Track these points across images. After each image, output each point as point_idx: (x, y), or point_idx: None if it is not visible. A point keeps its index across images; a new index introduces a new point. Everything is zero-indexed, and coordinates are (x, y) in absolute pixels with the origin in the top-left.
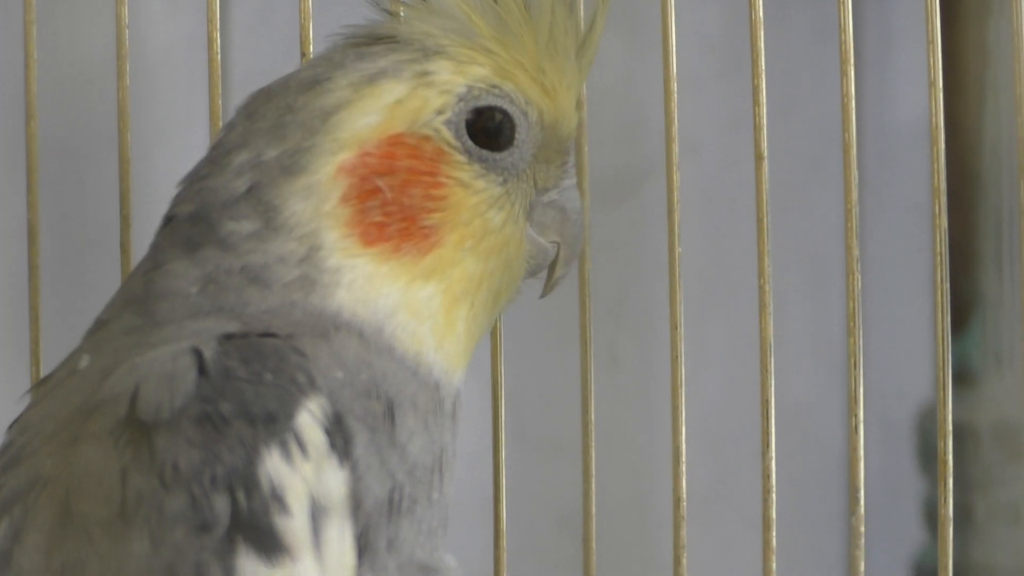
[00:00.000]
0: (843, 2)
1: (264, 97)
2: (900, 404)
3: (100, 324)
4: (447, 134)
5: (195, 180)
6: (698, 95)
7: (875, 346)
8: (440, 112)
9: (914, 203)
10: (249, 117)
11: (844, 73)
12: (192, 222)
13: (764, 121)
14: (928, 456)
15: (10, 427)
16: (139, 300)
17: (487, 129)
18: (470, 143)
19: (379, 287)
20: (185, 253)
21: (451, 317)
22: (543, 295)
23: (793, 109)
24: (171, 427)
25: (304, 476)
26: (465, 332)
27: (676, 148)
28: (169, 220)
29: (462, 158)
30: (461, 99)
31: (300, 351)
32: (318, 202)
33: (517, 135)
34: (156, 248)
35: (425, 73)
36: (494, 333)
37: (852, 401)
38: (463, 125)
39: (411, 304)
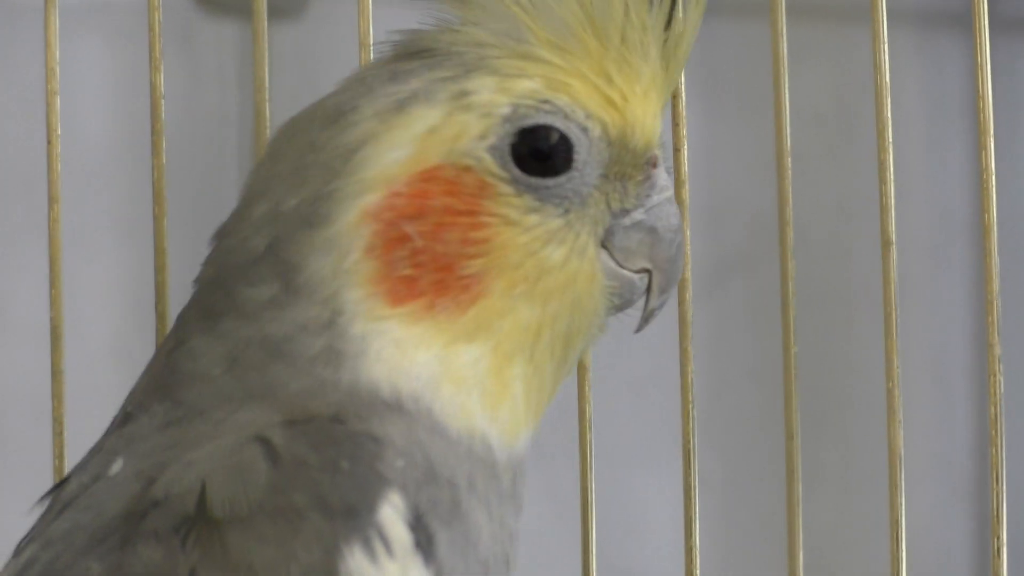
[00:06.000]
0: (982, 67)
1: (289, 133)
2: None
3: (127, 417)
4: (491, 163)
5: (221, 237)
6: (801, 174)
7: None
8: (482, 137)
9: None
10: (272, 158)
11: (983, 146)
12: (211, 288)
13: (892, 201)
14: None
15: (21, 544)
16: (164, 386)
17: (539, 152)
18: (518, 172)
19: (412, 355)
20: (206, 327)
21: (504, 378)
22: (637, 330)
23: (908, 189)
24: (244, 523)
25: None
26: (524, 392)
27: (791, 232)
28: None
29: (509, 189)
30: (506, 120)
31: (375, 437)
32: (339, 256)
33: (576, 155)
34: (180, 320)
35: (463, 94)
36: (583, 453)
37: (995, 521)
38: (508, 150)
39: (452, 372)
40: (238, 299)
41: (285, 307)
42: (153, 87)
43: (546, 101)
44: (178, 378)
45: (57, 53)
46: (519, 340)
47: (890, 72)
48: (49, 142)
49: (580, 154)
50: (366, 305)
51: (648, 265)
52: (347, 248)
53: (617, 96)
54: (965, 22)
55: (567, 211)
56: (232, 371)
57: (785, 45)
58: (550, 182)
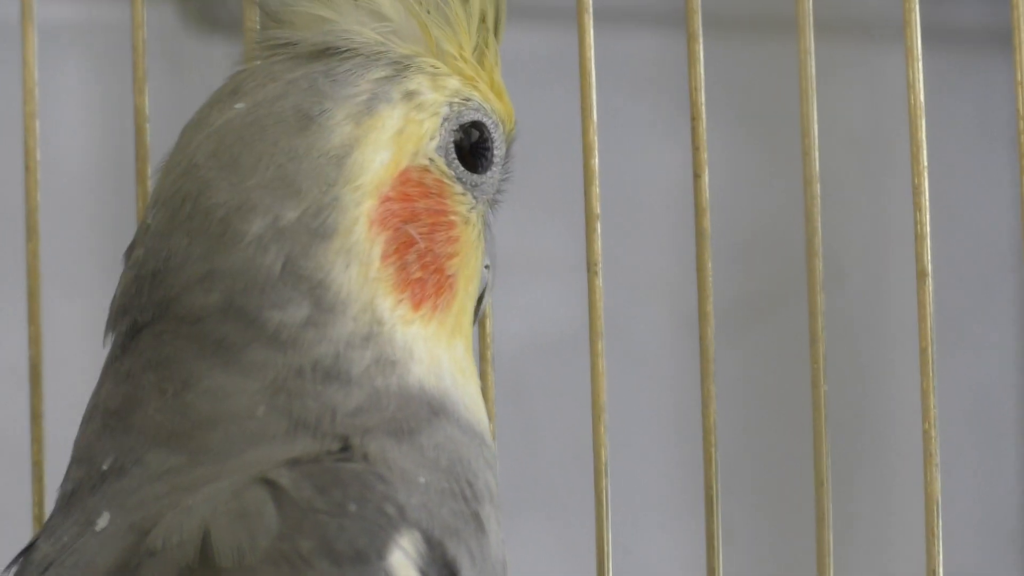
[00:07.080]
0: (1023, 85)
1: (234, 141)
2: None
3: (103, 476)
4: (441, 162)
5: (189, 261)
6: (832, 202)
7: None
8: (432, 138)
9: None
10: (228, 168)
11: None
12: (219, 318)
13: (927, 229)
14: None
15: None
16: (177, 434)
17: (473, 148)
18: (461, 168)
19: (437, 354)
20: (223, 362)
21: (474, 370)
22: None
23: (955, 217)
24: (246, 571)
25: None
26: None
27: (820, 263)
28: (156, 319)
29: (458, 188)
30: (445, 119)
31: (383, 477)
32: (362, 267)
33: (496, 151)
34: (164, 362)
35: (411, 94)
36: (599, 500)
37: None
38: (452, 148)
39: (458, 364)
40: (268, 326)
41: (324, 326)
42: (137, 110)
43: (468, 99)
44: (201, 423)
45: (36, 73)
46: (469, 333)
47: (928, 92)
48: (27, 168)
49: (499, 149)
50: (399, 312)
51: (488, 262)
52: (367, 258)
53: (498, 88)
54: (1007, 38)
55: (482, 204)
56: (276, 405)
57: (813, 63)
58: (481, 178)
